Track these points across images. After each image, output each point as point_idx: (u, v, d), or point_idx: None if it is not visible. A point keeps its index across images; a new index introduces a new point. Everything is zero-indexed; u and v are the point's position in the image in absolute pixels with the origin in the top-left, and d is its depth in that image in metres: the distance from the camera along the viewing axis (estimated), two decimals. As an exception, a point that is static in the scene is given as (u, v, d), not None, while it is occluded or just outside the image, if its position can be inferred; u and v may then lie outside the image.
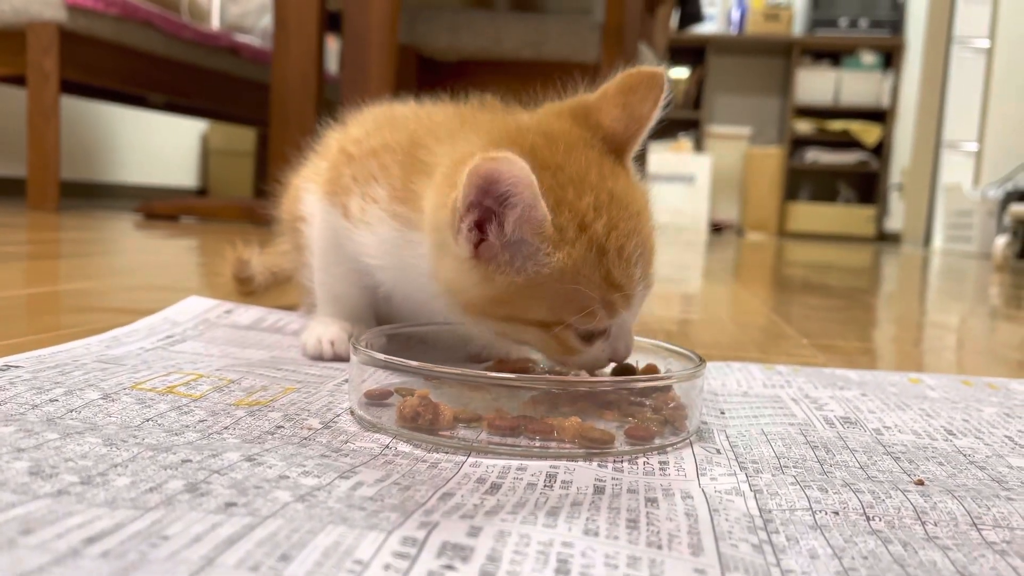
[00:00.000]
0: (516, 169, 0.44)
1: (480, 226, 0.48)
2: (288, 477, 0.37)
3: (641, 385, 0.50)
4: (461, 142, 0.54)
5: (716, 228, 6.19)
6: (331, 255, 0.65)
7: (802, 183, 6.40)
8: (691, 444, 0.49)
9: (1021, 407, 0.64)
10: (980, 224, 4.08)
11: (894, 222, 6.05)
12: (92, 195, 4.26)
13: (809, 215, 6.29)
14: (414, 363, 0.48)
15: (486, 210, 0.46)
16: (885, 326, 1.25)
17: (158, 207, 2.72)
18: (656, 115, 0.55)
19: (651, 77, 0.54)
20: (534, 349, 0.53)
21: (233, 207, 2.76)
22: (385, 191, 0.58)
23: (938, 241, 4.92)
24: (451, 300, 0.52)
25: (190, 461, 0.38)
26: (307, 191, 0.67)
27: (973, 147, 4.94)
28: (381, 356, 0.49)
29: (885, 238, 6.15)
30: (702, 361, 0.54)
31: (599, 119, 0.55)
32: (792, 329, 1.07)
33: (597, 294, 0.49)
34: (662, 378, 0.51)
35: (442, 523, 0.33)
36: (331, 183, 0.63)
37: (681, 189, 5.70)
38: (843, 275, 2.33)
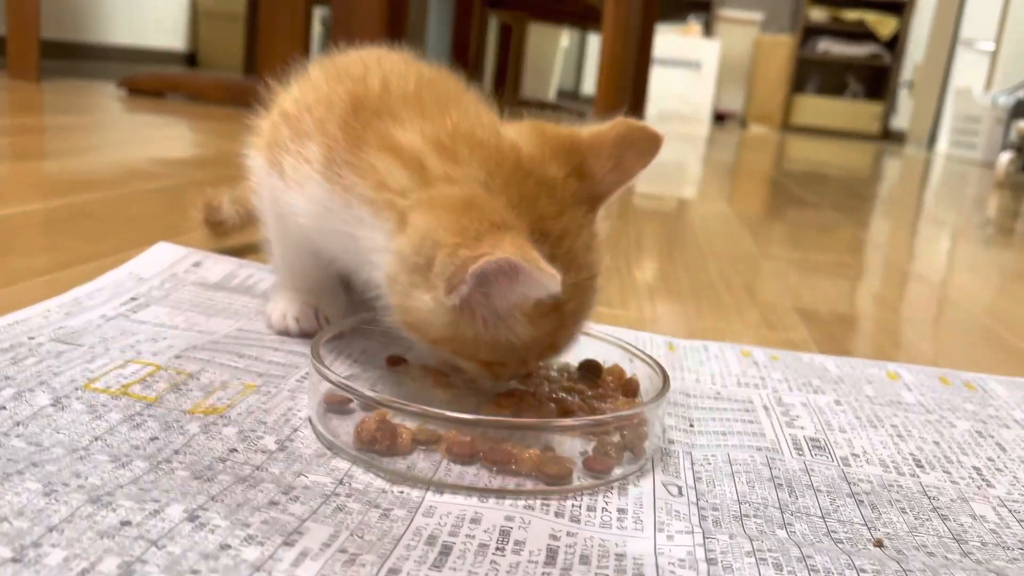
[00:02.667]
0: (545, 279, 0.42)
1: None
2: (230, 547, 0.36)
3: (607, 416, 0.50)
4: (461, 162, 0.49)
5: (719, 118, 6.07)
6: (281, 226, 0.61)
7: (811, 74, 6.23)
8: (654, 478, 0.49)
9: (995, 419, 0.63)
10: (987, 131, 4.00)
11: (900, 120, 5.95)
12: (76, 56, 4.11)
13: (815, 108, 6.16)
14: (371, 393, 0.47)
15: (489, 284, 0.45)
16: (870, 279, 1.24)
17: (143, 82, 2.62)
18: (641, 173, 0.52)
19: (651, 138, 0.52)
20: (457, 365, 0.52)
21: (221, 86, 2.67)
22: (320, 151, 0.53)
23: (943, 145, 4.85)
24: (396, 312, 0.50)
25: (129, 524, 0.37)
26: (252, 159, 0.63)
27: (989, 46, 4.78)
28: (336, 379, 0.48)
29: (890, 136, 6.05)
30: (667, 380, 0.53)
31: (591, 168, 0.51)
32: (775, 291, 1.05)
33: (538, 351, 0.50)
34: (624, 412, 0.50)
35: (379, 631, 0.32)
36: (270, 145, 0.58)
37: (686, 75, 5.54)
38: (840, 198, 2.29)
